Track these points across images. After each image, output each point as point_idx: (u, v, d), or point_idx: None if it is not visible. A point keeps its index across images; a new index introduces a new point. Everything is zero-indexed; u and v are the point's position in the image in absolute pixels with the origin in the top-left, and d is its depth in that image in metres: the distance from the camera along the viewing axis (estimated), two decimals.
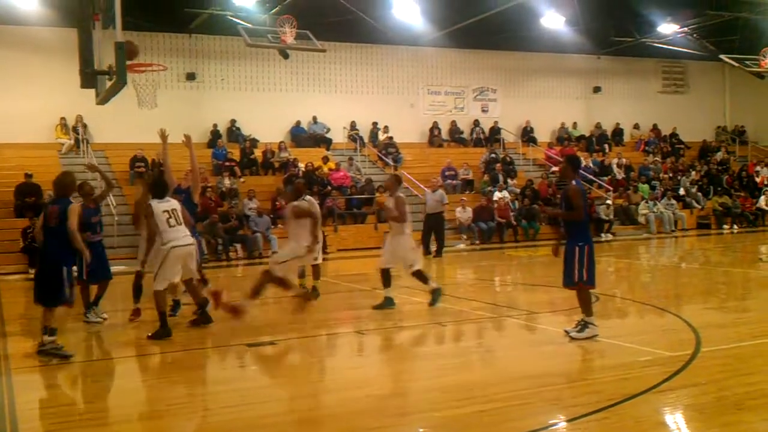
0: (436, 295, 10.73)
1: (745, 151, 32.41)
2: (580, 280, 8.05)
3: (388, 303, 10.67)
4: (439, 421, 5.69)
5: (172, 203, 9.24)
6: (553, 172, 26.13)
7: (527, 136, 29.34)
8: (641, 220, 25.14)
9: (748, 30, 27.27)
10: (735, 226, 26.04)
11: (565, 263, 8.12)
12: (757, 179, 28.98)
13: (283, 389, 7.15)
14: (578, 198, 8.07)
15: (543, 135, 29.90)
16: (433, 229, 19.25)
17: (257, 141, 25.16)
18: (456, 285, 12.25)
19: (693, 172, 28.95)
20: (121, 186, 21.27)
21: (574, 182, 8.28)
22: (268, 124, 25.63)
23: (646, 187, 26.65)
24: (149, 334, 8.88)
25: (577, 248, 8.04)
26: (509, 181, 25.51)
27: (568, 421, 5.59)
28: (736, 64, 26.89)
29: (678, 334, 8.43)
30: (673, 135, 32.03)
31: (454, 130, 28.76)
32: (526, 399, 6.08)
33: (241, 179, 23.22)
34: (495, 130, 28.95)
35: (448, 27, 24.94)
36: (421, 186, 23.01)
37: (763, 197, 27.32)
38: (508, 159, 27.14)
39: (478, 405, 5.98)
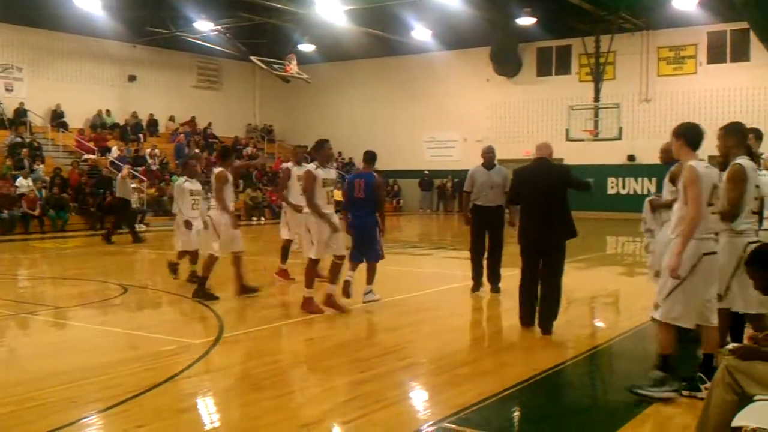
0: None
1: (273, 148, 34.95)
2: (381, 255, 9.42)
3: None
4: None
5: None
6: (85, 160, 25.12)
7: (57, 120, 27.67)
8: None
9: (277, 35, 29.40)
10: (263, 218, 27.90)
11: (371, 241, 9.21)
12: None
13: None
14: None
15: (75, 121, 28.48)
16: None
17: None
18: None
19: None
20: None
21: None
22: None
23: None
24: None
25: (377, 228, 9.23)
26: (36, 167, 23.75)
27: (86, 418, 5.36)
28: (265, 67, 28.82)
29: (204, 322, 8.70)
30: (208, 129, 33.09)
31: None
32: (43, 399, 5.67)
33: None
34: (21, 112, 26.72)
35: None
36: None
37: None
38: (35, 144, 25.28)
39: None
